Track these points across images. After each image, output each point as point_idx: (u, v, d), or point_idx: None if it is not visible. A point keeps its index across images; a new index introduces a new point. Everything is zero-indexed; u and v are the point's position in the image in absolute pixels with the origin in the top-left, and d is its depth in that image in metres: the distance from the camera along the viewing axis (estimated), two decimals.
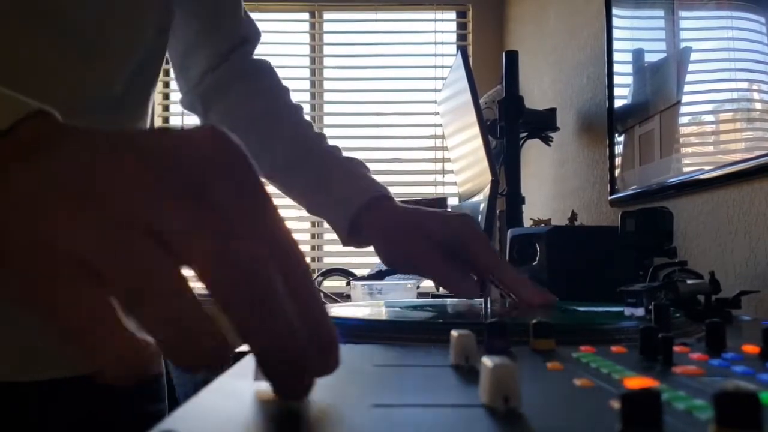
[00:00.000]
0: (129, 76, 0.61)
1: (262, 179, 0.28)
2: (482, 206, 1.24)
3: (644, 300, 0.56)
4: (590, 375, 0.31)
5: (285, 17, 2.98)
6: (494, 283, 0.68)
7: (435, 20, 2.94)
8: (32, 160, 0.26)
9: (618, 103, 1.53)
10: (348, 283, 1.88)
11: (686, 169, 1.21)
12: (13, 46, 0.53)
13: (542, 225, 1.37)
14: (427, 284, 1.90)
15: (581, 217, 1.67)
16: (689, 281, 0.70)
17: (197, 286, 0.26)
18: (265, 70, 0.81)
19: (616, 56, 1.55)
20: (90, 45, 0.56)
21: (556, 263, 1.03)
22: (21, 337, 0.54)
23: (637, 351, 0.36)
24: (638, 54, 1.45)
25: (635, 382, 0.28)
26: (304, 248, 2.85)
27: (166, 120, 2.80)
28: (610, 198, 1.55)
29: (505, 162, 1.69)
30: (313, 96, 2.94)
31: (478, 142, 1.32)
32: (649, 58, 1.38)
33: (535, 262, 1.07)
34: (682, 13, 1.24)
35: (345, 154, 0.77)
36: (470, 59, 1.79)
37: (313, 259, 2.88)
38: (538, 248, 1.07)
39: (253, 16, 0.83)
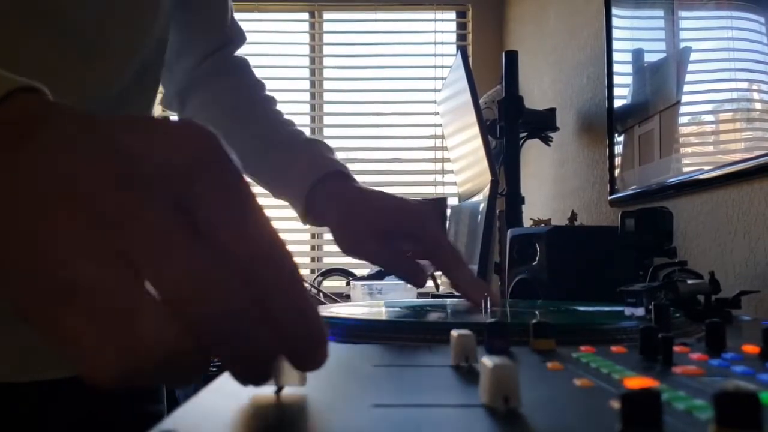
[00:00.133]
0: (130, 76, 0.61)
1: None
2: (482, 206, 1.24)
3: (644, 300, 0.56)
4: (590, 375, 0.31)
5: (285, 17, 2.98)
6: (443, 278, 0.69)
7: (435, 20, 2.94)
8: (18, 147, 0.25)
9: (618, 103, 1.53)
10: (348, 283, 1.88)
11: (686, 169, 1.21)
12: (13, 46, 0.53)
13: (542, 225, 1.37)
14: (427, 284, 1.90)
15: (581, 217, 1.67)
16: (689, 281, 0.70)
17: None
18: (240, 67, 0.82)
19: (616, 56, 1.56)
20: (90, 45, 0.56)
21: (556, 263, 1.03)
22: (21, 337, 0.54)
23: (637, 351, 0.37)
24: (638, 54, 1.45)
25: (635, 382, 0.28)
26: (304, 248, 2.85)
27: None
28: (610, 198, 1.55)
29: (505, 162, 1.69)
30: (313, 96, 2.94)
31: (478, 142, 1.32)
32: (649, 58, 1.38)
33: (535, 262, 1.07)
34: (682, 13, 1.24)
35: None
36: (470, 59, 1.79)
37: (313, 259, 2.88)
38: (538, 248, 1.07)
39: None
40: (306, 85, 2.95)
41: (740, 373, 0.32)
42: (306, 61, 2.95)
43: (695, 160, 1.19)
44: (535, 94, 2.23)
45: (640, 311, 0.56)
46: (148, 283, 0.24)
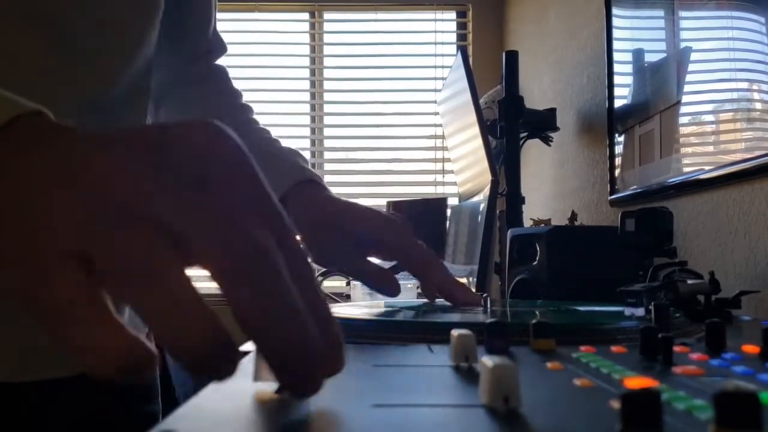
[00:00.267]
0: (129, 80, 0.61)
1: None
2: (482, 206, 1.24)
3: (644, 300, 0.56)
4: (590, 375, 0.31)
5: (285, 17, 2.98)
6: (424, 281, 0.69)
7: (435, 20, 2.94)
8: (29, 156, 0.26)
9: (618, 103, 1.53)
10: (348, 283, 1.88)
11: (686, 169, 1.21)
12: (13, 47, 0.53)
13: (542, 225, 1.37)
14: None
15: (581, 217, 1.67)
16: (689, 281, 0.70)
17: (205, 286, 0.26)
18: (218, 74, 0.82)
19: (616, 56, 1.55)
20: (89, 49, 0.56)
21: (556, 263, 1.03)
22: (21, 337, 0.54)
23: (637, 351, 0.37)
24: (638, 54, 1.45)
25: (635, 382, 0.28)
26: (304, 248, 2.85)
27: None
28: (610, 198, 1.55)
29: (505, 162, 1.69)
30: (313, 96, 2.94)
31: (478, 142, 1.32)
32: (649, 58, 1.38)
33: (535, 262, 1.07)
34: (682, 13, 1.24)
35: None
36: (470, 59, 1.79)
37: None
38: (538, 248, 1.07)
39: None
40: (306, 85, 2.95)
41: (740, 373, 0.32)
42: (306, 61, 2.95)
43: (695, 160, 1.19)
44: (535, 94, 2.23)
45: (640, 311, 0.56)
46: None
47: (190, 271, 0.25)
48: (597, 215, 1.68)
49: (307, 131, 2.91)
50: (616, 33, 1.56)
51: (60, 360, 0.57)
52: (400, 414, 0.25)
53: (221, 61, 0.84)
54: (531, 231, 1.17)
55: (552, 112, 1.84)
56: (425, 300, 0.70)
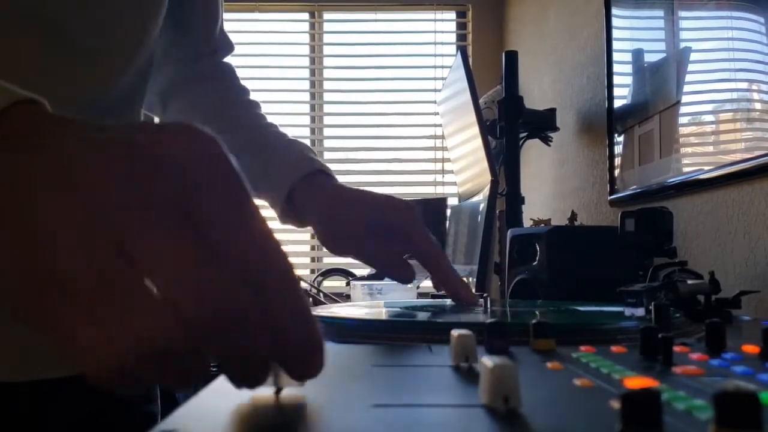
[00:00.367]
0: (129, 80, 0.61)
1: None
2: (482, 206, 1.24)
3: (644, 300, 0.56)
4: (590, 375, 0.31)
5: (285, 17, 2.98)
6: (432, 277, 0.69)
7: (435, 20, 2.94)
8: (21, 150, 0.26)
9: (618, 103, 1.53)
10: (348, 283, 1.88)
11: (686, 169, 1.21)
12: (13, 47, 0.53)
13: (542, 225, 1.37)
14: (427, 284, 1.90)
15: (581, 217, 1.67)
16: (689, 281, 0.70)
17: None
18: (224, 71, 0.82)
19: (615, 56, 1.56)
20: (89, 49, 0.56)
21: (556, 263, 1.03)
22: (20, 337, 0.54)
23: (637, 351, 0.37)
24: (638, 54, 1.45)
25: (635, 382, 0.28)
26: (304, 248, 2.85)
27: None
28: (610, 198, 1.55)
29: (505, 162, 1.69)
30: (313, 96, 2.94)
31: (478, 142, 1.32)
32: (649, 58, 1.38)
33: (535, 262, 1.07)
34: (682, 13, 1.24)
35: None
36: (470, 59, 1.79)
37: (313, 259, 2.88)
38: (538, 248, 1.07)
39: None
40: (306, 85, 2.95)
41: (740, 373, 0.32)
42: (306, 61, 2.95)
43: (695, 160, 1.19)
44: (535, 94, 2.23)
45: (640, 311, 0.56)
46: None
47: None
48: (597, 215, 1.68)
49: (307, 131, 2.91)
50: (615, 33, 1.56)
51: (60, 360, 0.57)
52: (400, 414, 0.25)
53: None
54: (531, 231, 1.17)
55: (552, 112, 1.84)
56: (425, 300, 0.70)
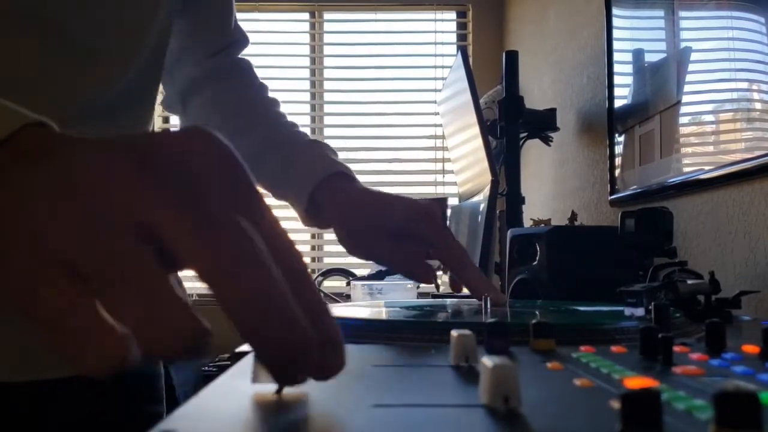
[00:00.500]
0: (130, 79, 0.61)
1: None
2: (482, 206, 1.24)
3: (644, 300, 0.56)
4: (590, 375, 0.31)
5: (285, 17, 2.98)
6: (452, 276, 0.69)
7: (435, 20, 2.94)
8: (30, 166, 0.26)
9: (618, 103, 1.53)
10: (348, 283, 1.88)
11: (686, 169, 1.21)
12: (13, 47, 0.53)
13: (542, 225, 1.37)
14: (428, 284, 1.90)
15: (581, 217, 1.67)
16: (689, 281, 0.70)
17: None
18: (243, 68, 0.82)
19: (616, 56, 1.55)
20: (88, 49, 0.56)
21: (556, 263, 1.03)
22: (20, 337, 0.54)
23: (637, 351, 0.36)
24: (638, 54, 1.45)
25: (635, 382, 0.28)
26: (304, 248, 2.85)
27: (166, 120, 2.80)
28: (610, 198, 1.55)
29: (505, 162, 1.69)
30: (313, 96, 2.94)
31: (478, 142, 1.32)
32: (649, 58, 1.38)
33: (535, 262, 1.07)
34: (682, 13, 1.24)
35: (343, 154, 0.77)
36: (470, 59, 1.79)
37: (313, 259, 2.88)
38: (538, 248, 1.07)
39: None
40: (306, 85, 2.95)
41: (740, 373, 0.32)
42: (306, 61, 2.95)
43: (695, 160, 1.19)
44: (535, 94, 2.23)
45: (640, 311, 0.56)
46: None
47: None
48: (597, 215, 1.68)
49: (307, 131, 2.90)
50: (616, 33, 1.56)
51: (60, 360, 0.57)
52: (400, 414, 0.25)
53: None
54: (531, 231, 1.17)
55: (552, 112, 1.84)
56: (425, 300, 0.70)
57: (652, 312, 0.46)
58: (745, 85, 1.03)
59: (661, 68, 1.30)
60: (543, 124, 1.82)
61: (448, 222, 1.60)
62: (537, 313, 0.62)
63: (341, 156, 0.77)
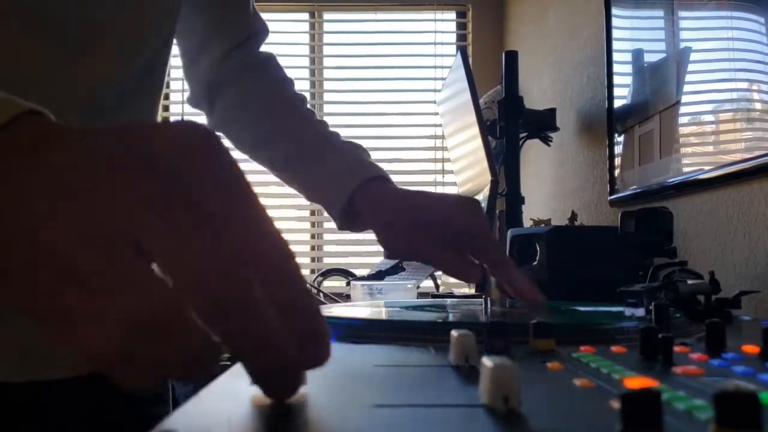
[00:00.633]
0: (133, 77, 0.61)
1: (258, 164, 0.28)
2: (482, 206, 1.24)
3: (644, 300, 0.56)
4: (590, 375, 0.31)
5: (285, 17, 2.98)
6: (495, 278, 0.68)
7: (435, 20, 2.94)
8: (28, 157, 0.26)
9: (618, 103, 1.53)
10: (348, 283, 1.88)
11: (686, 169, 1.21)
12: (13, 46, 0.53)
13: (542, 225, 1.37)
14: (427, 284, 1.90)
15: (581, 217, 1.67)
16: (689, 281, 0.70)
17: None
18: (270, 63, 0.82)
19: (615, 56, 1.55)
20: (89, 46, 0.56)
21: (556, 263, 1.03)
22: (20, 338, 0.54)
23: (637, 351, 0.37)
24: (638, 54, 1.45)
25: (635, 382, 0.28)
26: (304, 248, 2.85)
27: (165, 108, 2.80)
28: (610, 198, 1.55)
29: (504, 162, 1.69)
30: (313, 96, 2.94)
31: (478, 142, 1.32)
32: (649, 58, 1.38)
33: (535, 262, 1.07)
34: (682, 13, 1.24)
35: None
36: (470, 59, 1.79)
37: (313, 259, 2.88)
38: (538, 248, 1.07)
39: None
40: (306, 85, 2.95)
41: (740, 373, 0.32)
42: (306, 61, 2.95)
43: (695, 160, 1.19)
44: (535, 94, 2.23)
45: (640, 311, 0.56)
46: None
47: None
48: (597, 215, 1.68)
49: None
50: (615, 33, 1.56)
51: (60, 360, 0.57)
52: (400, 414, 0.25)
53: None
54: (531, 231, 1.17)
55: (552, 112, 1.84)
56: (425, 300, 0.70)
57: (652, 312, 0.46)
58: (744, 85, 1.03)
59: (661, 68, 1.30)
60: (543, 124, 1.82)
61: None
62: (551, 311, 0.62)
63: None
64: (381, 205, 0.69)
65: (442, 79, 2.46)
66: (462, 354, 0.34)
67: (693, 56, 1.19)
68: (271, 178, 0.80)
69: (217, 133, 0.28)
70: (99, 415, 0.62)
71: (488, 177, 1.23)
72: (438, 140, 2.85)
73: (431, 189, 2.84)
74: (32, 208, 0.25)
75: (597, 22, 1.67)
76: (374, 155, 0.75)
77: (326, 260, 2.85)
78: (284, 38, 2.97)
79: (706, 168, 1.13)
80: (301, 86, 2.93)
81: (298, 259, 0.28)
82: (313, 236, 2.86)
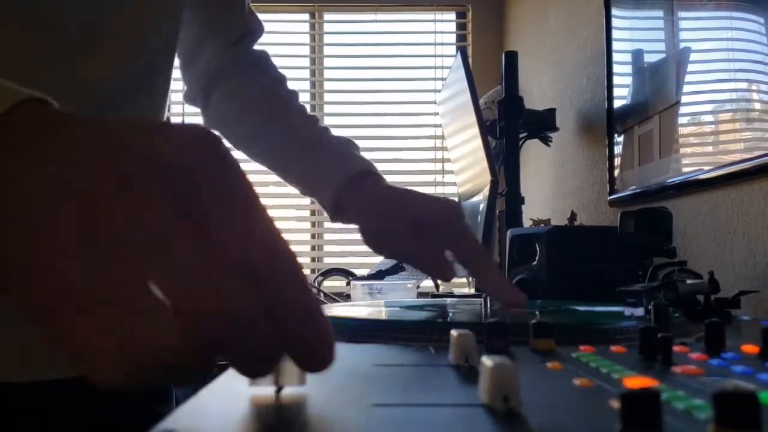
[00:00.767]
0: (137, 76, 0.61)
1: (257, 163, 0.28)
2: (482, 206, 1.24)
3: (644, 300, 0.56)
4: (590, 375, 0.31)
5: (285, 17, 2.98)
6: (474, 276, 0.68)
7: (435, 21, 2.94)
8: (28, 152, 0.26)
9: (617, 104, 1.53)
10: (348, 283, 1.88)
11: (685, 169, 1.21)
12: (13, 46, 0.53)
13: (542, 225, 1.37)
14: (427, 284, 1.90)
15: (581, 217, 1.67)
16: (689, 281, 0.70)
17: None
18: (264, 60, 0.83)
19: (615, 56, 1.56)
20: (91, 45, 0.56)
21: (556, 263, 1.03)
22: (20, 338, 0.54)
23: (636, 351, 0.37)
24: (637, 54, 1.45)
25: (635, 382, 0.28)
26: (305, 248, 2.85)
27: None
28: (609, 198, 1.55)
29: (504, 162, 1.69)
30: (313, 96, 2.94)
31: (478, 142, 1.32)
32: (649, 58, 1.38)
33: (535, 262, 1.07)
34: (682, 14, 1.24)
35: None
36: (470, 60, 1.79)
37: (313, 259, 2.88)
38: (537, 248, 1.07)
39: None
40: (306, 85, 2.95)
41: (740, 373, 0.32)
42: (306, 62, 2.95)
43: (695, 160, 1.19)
44: (534, 95, 2.23)
45: (639, 311, 0.56)
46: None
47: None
48: (596, 215, 1.68)
49: None
50: (615, 33, 1.56)
51: (60, 360, 0.57)
52: (400, 414, 0.25)
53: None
54: (531, 231, 1.17)
55: (551, 112, 1.84)
56: (425, 300, 0.70)
57: (652, 312, 0.46)
58: (744, 85, 1.03)
59: (661, 68, 1.30)
60: (542, 125, 1.82)
61: None
62: (537, 313, 0.62)
63: None
64: (367, 200, 0.70)
65: (442, 79, 2.46)
66: (462, 354, 0.34)
67: (692, 56, 1.19)
68: (271, 178, 0.81)
69: (213, 131, 0.28)
70: (99, 415, 0.62)
71: (488, 177, 1.23)
72: (438, 140, 2.85)
73: (431, 189, 2.84)
74: (32, 207, 0.25)
75: (597, 22, 1.67)
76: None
77: (326, 260, 2.85)
78: (284, 38, 2.97)
79: (706, 168, 1.13)
80: (301, 86, 2.93)
81: (299, 259, 0.28)
82: (313, 236, 2.86)
